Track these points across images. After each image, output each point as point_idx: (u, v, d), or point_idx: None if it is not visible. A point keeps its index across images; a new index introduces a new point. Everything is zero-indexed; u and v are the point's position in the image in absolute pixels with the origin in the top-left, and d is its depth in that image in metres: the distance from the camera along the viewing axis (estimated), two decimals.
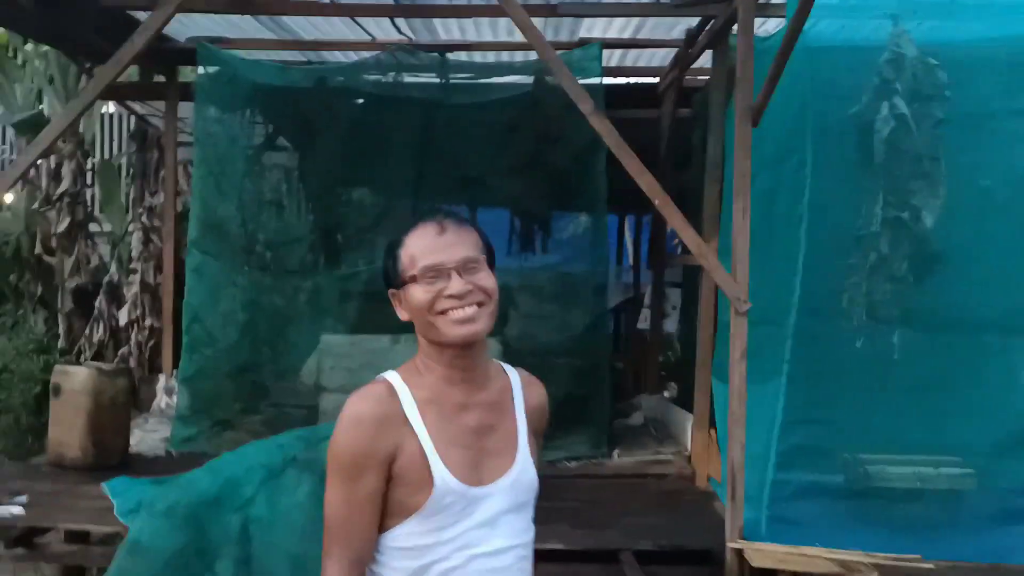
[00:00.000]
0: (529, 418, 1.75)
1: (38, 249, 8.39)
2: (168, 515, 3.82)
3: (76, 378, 5.02)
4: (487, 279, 1.64)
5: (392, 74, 6.36)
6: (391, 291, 1.69)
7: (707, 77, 5.97)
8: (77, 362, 7.10)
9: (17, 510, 4.10)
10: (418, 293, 1.61)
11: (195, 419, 5.77)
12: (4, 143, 11.72)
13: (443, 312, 1.60)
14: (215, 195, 6.03)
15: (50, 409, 5.10)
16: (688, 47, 5.80)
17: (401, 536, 1.61)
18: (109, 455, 5.02)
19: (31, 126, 7.96)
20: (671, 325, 7.71)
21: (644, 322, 7.93)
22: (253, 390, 6.00)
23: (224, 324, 5.98)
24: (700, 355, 5.32)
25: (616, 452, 5.72)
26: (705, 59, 5.82)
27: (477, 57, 6.72)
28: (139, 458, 5.38)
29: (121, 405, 5.16)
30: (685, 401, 6.09)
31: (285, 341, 6.12)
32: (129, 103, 7.72)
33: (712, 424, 5.15)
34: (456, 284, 1.59)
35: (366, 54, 6.37)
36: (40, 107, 8.47)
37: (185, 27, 5.99)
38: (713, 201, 5.13)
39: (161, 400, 6.42)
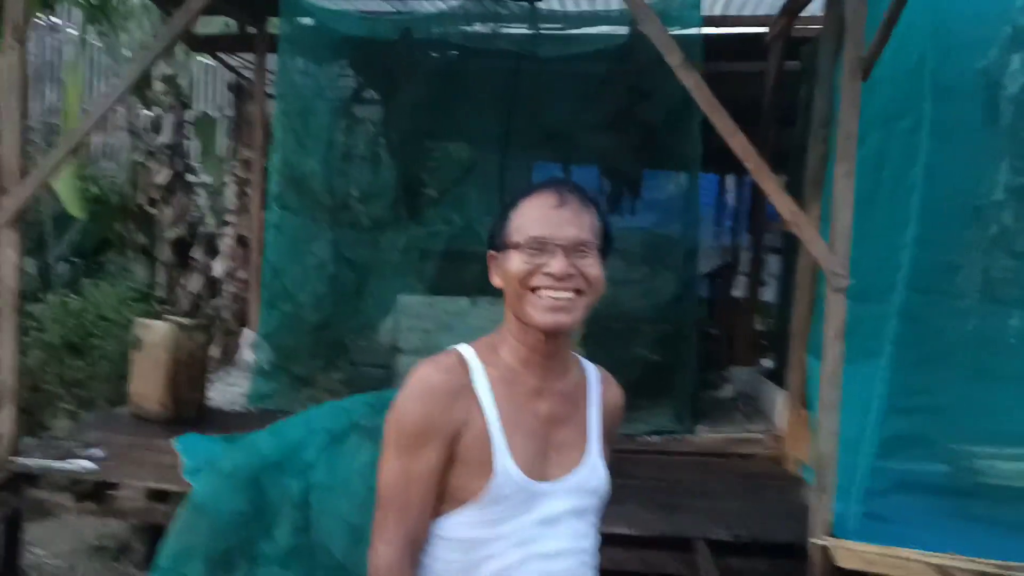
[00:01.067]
0: (604, 419, 1.62)
1: (140, 199, 8.60)
2: (230, 476, 3.77)
3: (156, 332, 5.05)
4: (593, 267, 1.49)
5: (480, 24, 6.11)
6: (491, 252, 1.55)
7: (819, 26, 5.50)
8: (174, 312, 7.23)
9: (89, 464, 4.12)
10: (516, 262, 1.48)
11: (274, 375, 5.76)
12: None
13: (535, 289, 1.47)
14: (296, 150, 5.93)
15: (132, 361, 5.16)
16: None
17: (455, 526, 1.50)
18: (186, 409, 5.04)
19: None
20: (769, 294, 7.28)
21: (740, 289, 7.52)
22: (331, 348, 5.94)
23: (303, 280, 5.93)
24: (795, 329, 4.96)
25: (701, 427, 5.41)
26: (816, 6, 5.35)
27: (570, 6, 6.39)
28: (217, 412, 5.39)
29: (198, 360, 5.16)
30: (780, 376, 5.72)
31: (364, 299, 6.03)
32: (223, 56, 7.72)
33: (805, 403, 4.80)
34: (558, 264, 1.45)
35: (454, 3, 6.13)
36: None
37: None
38: (816, 163, 4.71)
39: (244, 354, 6.45)
